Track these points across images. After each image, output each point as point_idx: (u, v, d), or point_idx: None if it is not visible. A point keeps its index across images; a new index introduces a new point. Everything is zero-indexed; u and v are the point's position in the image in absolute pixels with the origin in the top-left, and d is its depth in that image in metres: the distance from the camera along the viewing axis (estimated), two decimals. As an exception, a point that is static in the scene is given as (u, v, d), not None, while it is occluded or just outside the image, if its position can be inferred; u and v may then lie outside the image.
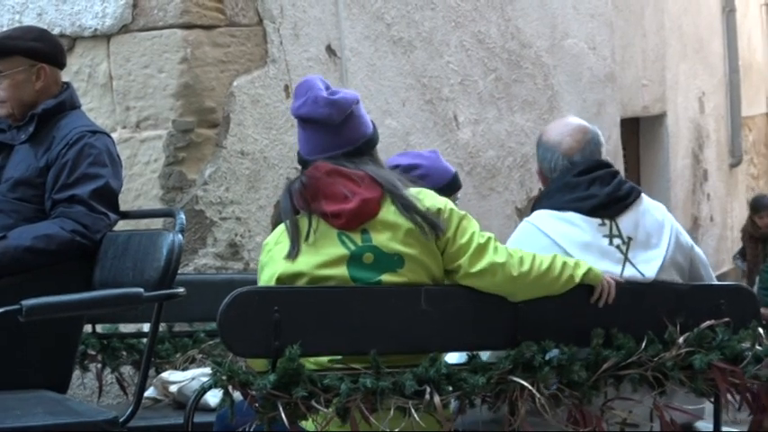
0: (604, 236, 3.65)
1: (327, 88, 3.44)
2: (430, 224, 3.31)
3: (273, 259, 3.38)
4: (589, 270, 3.43)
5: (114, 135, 4.66)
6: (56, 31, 4.92)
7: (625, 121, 9.68)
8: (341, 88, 3.51)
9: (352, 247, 3.32)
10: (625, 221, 3.69)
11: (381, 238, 3.33)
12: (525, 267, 3.35)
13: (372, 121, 3.54)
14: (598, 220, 3.66)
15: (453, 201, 3.63)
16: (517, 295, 3.37)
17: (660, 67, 10.65)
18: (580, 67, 8.65)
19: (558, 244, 3.58)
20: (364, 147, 3.44)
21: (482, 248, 3.34)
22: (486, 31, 7.35)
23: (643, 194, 3.82)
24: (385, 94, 6.25)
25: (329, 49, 5.90)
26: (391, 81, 6.40)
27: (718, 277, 8.00)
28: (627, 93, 9.70)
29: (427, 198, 3.41)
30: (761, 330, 3.66)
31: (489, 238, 3.37)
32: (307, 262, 3.31)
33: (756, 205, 10.56)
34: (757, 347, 3.58)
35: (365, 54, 6.18)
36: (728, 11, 12.80)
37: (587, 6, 8.84)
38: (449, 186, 4.15)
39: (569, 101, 8.21)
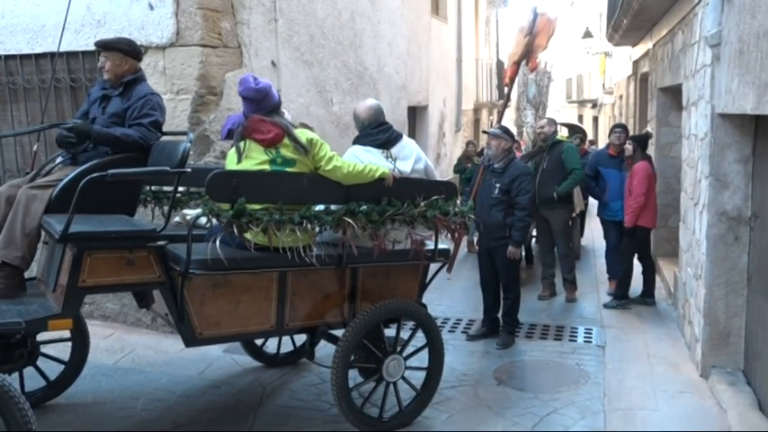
0: (385, 157, 3.58)
1: (255, 80, 3.26)
2: (303, 148, 3.21)
3: (230, 163, 3.25)
4: (382, 172, 3.37)
5: (165, 96, 4.43)
6: (138, 42, 4.49)
7: (410, 108, 9.57)
8: (261, 80, 3.28)
9: (271, 156, 3.19)
10: (394, 150, 3.63)
11: (285, 152, 3.21)
12: (350, 169, 3.28)
13: (279, 96, 3.35)
14: (382, 150, 3.58)
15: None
16: (346, 182, 3.28)
17: (427, 84, 10.53)
18: (390, 81, 8.47)
19: (362, 161, 3.47)
20: (274, 110, 3.28)
21: (330, 159, 3.25)
22: (348, 60, 7.11)
23: (404, 136, 3.73)
24: (298, 88, 6.00)
25: (273, 63, 5.61)
26: (302, 81, 6.13)
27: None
28: (411, 95, 9.55)
29: (305, 134, 3.29)
30: (458, 201, 3.69)
31: (335, 154, 3.28)
32: (248, 163, 3.18)
33: (467, 143, 9.38)
34: (455, 209, 3.61)
35: (290, 67, 5.90)
36: (459, 60, 12.77)
37: (396, 52, 8.64)
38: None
39: (384, 97, 8.04)
